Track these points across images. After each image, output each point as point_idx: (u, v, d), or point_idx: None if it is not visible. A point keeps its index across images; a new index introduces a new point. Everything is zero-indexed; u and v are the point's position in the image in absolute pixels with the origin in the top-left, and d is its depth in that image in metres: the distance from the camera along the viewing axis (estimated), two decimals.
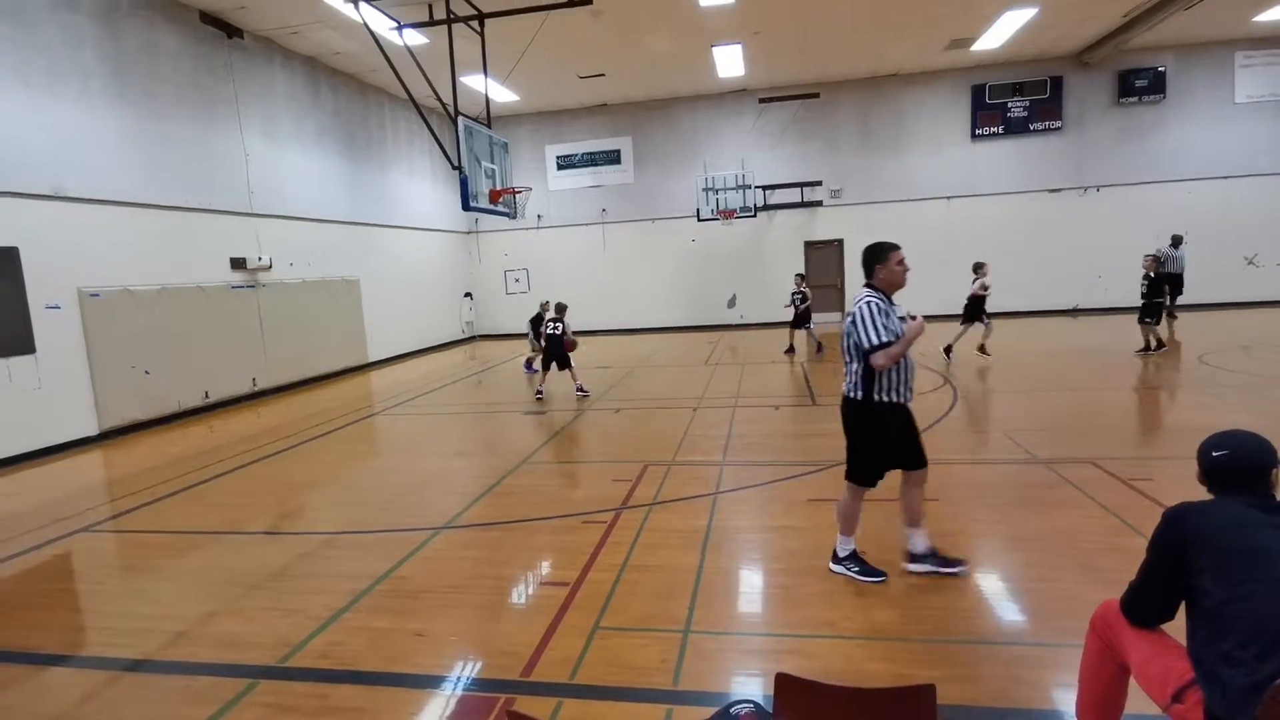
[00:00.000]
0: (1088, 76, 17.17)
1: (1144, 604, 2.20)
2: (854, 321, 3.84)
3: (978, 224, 17.95)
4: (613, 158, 19.42)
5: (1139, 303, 11.25)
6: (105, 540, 5.65)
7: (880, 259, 3.92)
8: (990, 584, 4.02)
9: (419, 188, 17.79)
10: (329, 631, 3.75)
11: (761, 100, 18.51)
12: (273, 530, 5.60)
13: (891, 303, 3.90)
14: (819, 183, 18.45)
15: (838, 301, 19.05)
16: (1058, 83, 17.25)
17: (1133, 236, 17.21)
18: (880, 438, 3.95)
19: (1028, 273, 17.80)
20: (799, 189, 18.46)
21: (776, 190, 18.45)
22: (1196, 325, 13.96)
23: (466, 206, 10.11)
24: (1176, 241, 13.46)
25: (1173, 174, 17.13)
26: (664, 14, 12.42)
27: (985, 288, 11.41)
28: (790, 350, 13.83)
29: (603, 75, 16.26)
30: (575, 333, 10.88)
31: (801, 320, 13.50)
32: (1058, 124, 17.41)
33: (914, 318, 3.81)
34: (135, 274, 9.79)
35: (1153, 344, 11.04)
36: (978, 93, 17.59)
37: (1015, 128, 17.59)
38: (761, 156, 18.46)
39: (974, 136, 17.81)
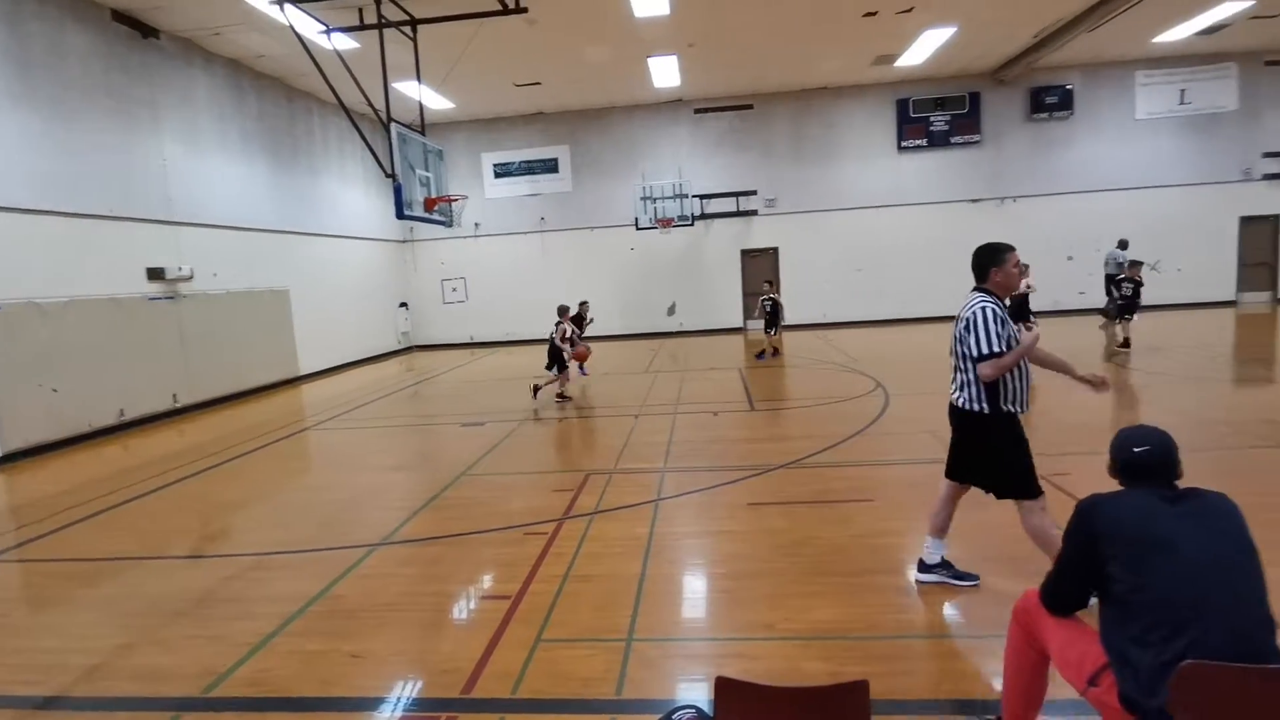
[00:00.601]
0: (1003, 93, 18.09)
1: (1060, 593, 2.31)
2: (967, 327, 3.56)
3: (905, 233, 18.65)
4: (550, 166, 19.36)
5: (1102, 303, 12.05)
6: (8, 571, 5.28)
7: (996, 261, 3.67)
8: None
9: (351, 195, 17.33)
10: (257, 657, 3.59)
11: (697, 111, 18.80)
12: (196, 554, 5.34)
13: (1005, 307, 3.65)
14: (754, 192, 18.83)
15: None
16: (975, 99, 18.11)
17: (1048, 245, 18.18)
18: (1022, 440, 3.65)
19: (951, 279, 18.54)
20: (735, 198, 18.79)
21: (713, 200, 18.74)
22: (1094, 325, 14.85)
23: (401, 215, 9.92)
24: (1124, 244, 14.40)
25: (1081, 186, 18.20)
26: (600, 24, 12.49)
27: (1030, 288, 11.92)
28: (775, 353, 14.00)
29: (539, 84, 16.22)
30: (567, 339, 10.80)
31: (769, 324, 13.78)
32: (976, 138, 18.27)
33: (1030, 328, 3.56)
34: (42, 285, 9.20)
35: (1121, 339, 11.88)
36: (902, 107, 18.30)
37: (937, 141, 18.36)
38: (698, 166, 18.73)
39: (900, 148, 18.51)
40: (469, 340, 20.16)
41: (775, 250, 19.26)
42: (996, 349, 3.47)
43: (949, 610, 3.75)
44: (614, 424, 8.85)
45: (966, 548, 4.45)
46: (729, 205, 18.88)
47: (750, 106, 18.68)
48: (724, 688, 1.76)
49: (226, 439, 9.32)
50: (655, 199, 17.62)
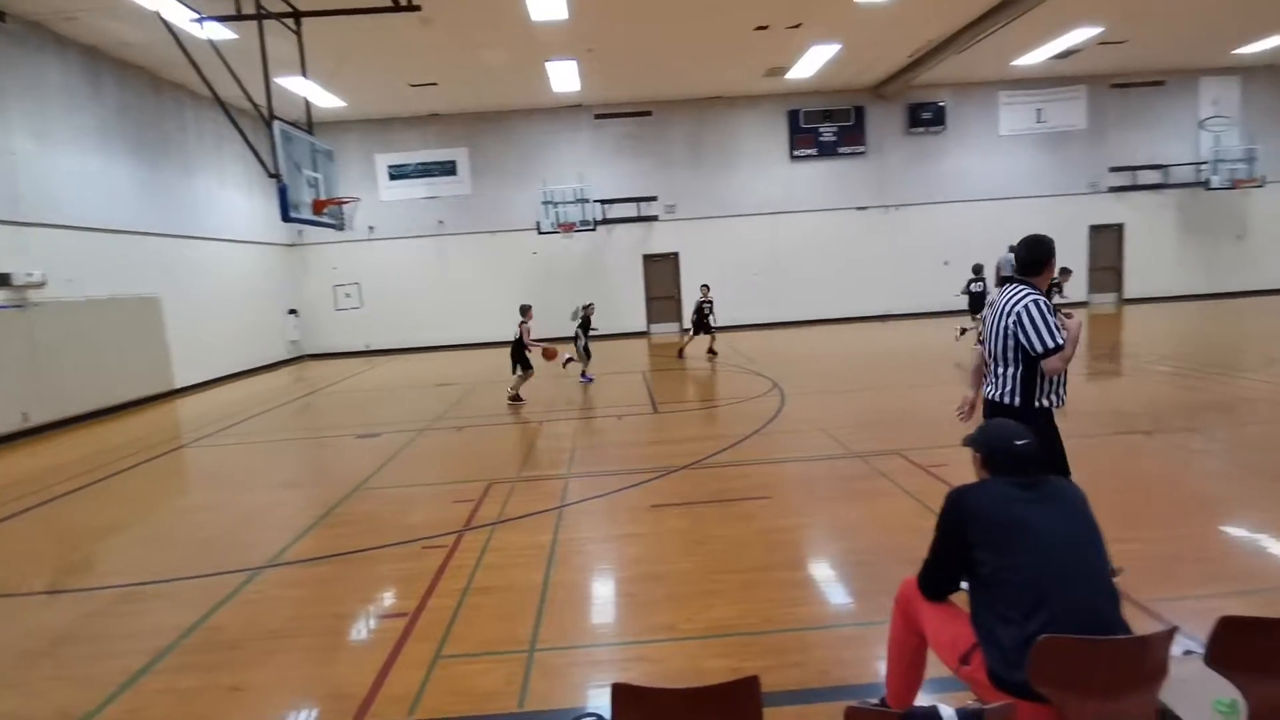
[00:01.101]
0: (884, 108, 19.19)
1: (934, 579, 2.47)
2: (1019, 322, 3.50)
3: (798, 238, 19.44)
4: (448, 168, 18.89)
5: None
6: None
7: (1053, 253, 3.65)
8: (819, 572, 4.35)
9: (231, 196, 16.25)
10: (124, 698, 3.31)
11: (598, 116, 18.88)
12: (54, 588, 4.86)
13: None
14: (654, 198, 19.10)
15: (675, 312, 19.75)
16: (860, 112, 19.12)
17: (928, 249, 19.44)
18: (1054, 436, 3.67)
19: (842, 282, 19.52)
20: (636, 204, 19.01)
21: (615, 205, 18.88)
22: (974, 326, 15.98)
23: (286, 217, 9.40)
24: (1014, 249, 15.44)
25: (955, 196, 19.56)
26: (497, 26, 12.32)
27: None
28: (681, 354, 14.65)
29: (435, 84, 15.82)
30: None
31: (705, 326, 14.15)
32: (862, 149, 19.29)
33: (1069, 315, 3.57)
34: None
35: None
36: (794, 117, 19.08)
37: (826, 151, 19.26)
38: (599, 171, 18.81)
39: (792, 157, 19.28)
40: (365, 348, 19.36)
41: (676, 255, 19.60)
42: (1060, 341, 3.44)
43: (841, 599, 3.94)
44: (517, 430, 8.74)
45: (859, 539, 4.69)
46: (630, 210, 19.07)
47: (649, 113, 18.95)
48: (620, 694, 1.78)
49: (89, 459, 8.53)
50: (557, 203, 17.57)
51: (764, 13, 12.69)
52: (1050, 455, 3.55)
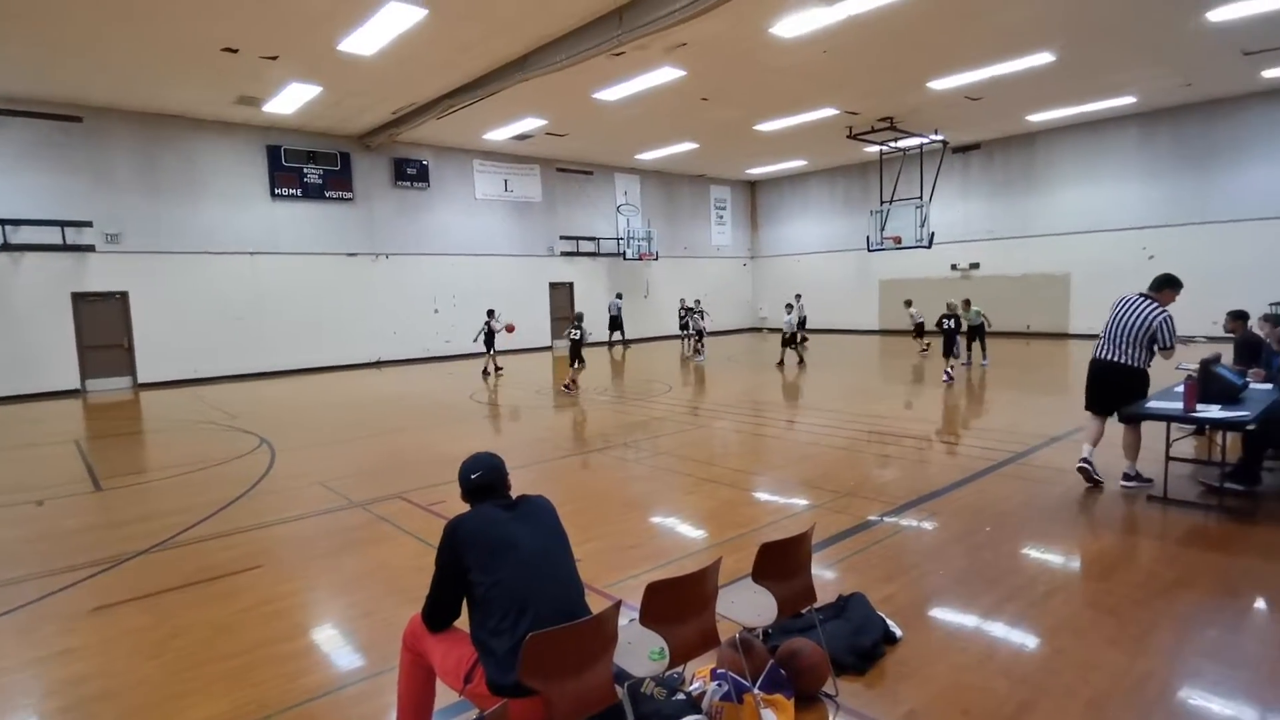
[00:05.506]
0: (371, 158, 19.45)
1: (438, 610, 2.62)
2: (1160, 323, 5.82)
3: (284, 281, 18.07)
4: None
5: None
6: None
7: (1177, 286, 6.00)
8: (323, 634, 4.11)
9: None
10: None
11: None
12: None
13: None
14: (89, 223, 15.39)
15: (127, 365, 16.17)
16: (346, 158, 18.96)
17: (419, 297, 20.28)
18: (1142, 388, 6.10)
19: (333, 328, 18.87)
20: (59, 228, 15.01)
21: (24, 227, 14.58)
22: (460, 370, 17.40)
23: None
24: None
25: (441, 249, 20.92)
26: None
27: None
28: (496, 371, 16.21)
29: None
30: None
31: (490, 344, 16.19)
32: (349, 195, 19.10)
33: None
34: None
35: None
36: (274, 153, 17.79)
37: (312, 193, 18.47)
38: None
39: (274, 195, 17.90)
40: None
41: (125, 295, 16.09)
42: (1175, 342, 5.87)
43: (349, 657, 3.80)
44: None
45: (363, 590, 4.62)
46: (52, 236, 14.96)
47: (79, 119, 15.25)
48: None
49: None
50: None
51: (232, 34, 11.55)
52: (1143, 398, 6.03)
